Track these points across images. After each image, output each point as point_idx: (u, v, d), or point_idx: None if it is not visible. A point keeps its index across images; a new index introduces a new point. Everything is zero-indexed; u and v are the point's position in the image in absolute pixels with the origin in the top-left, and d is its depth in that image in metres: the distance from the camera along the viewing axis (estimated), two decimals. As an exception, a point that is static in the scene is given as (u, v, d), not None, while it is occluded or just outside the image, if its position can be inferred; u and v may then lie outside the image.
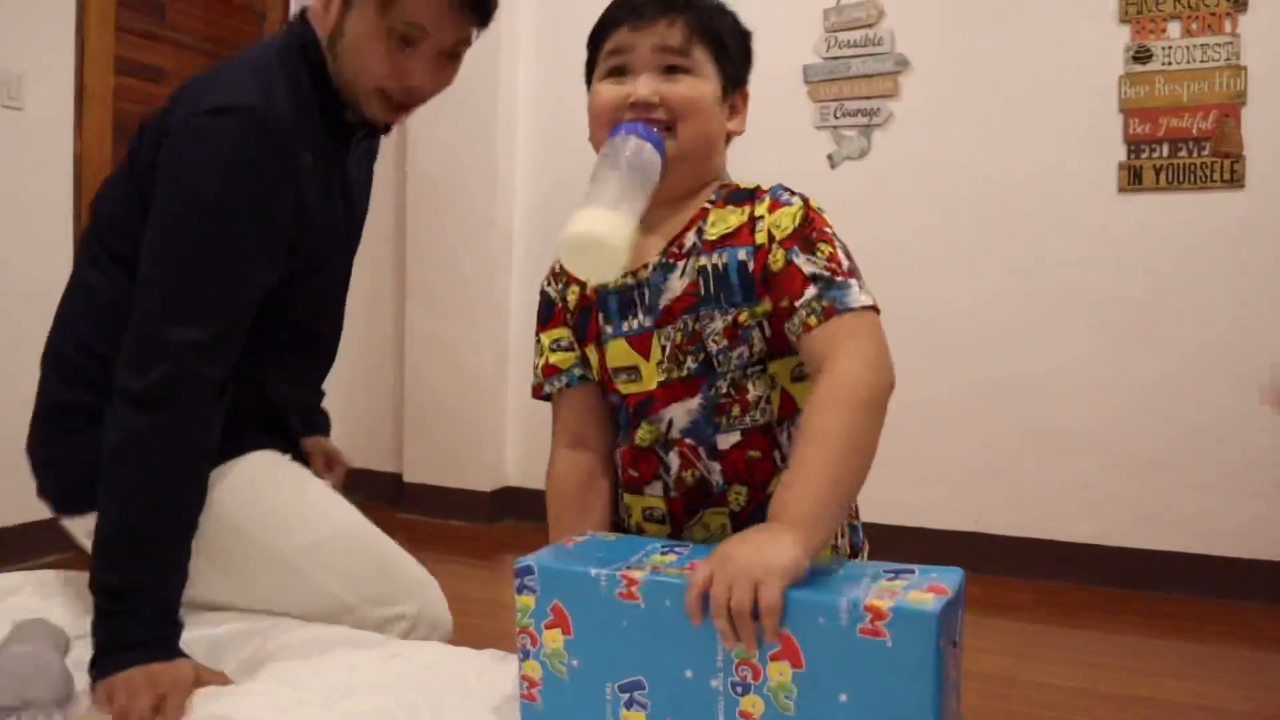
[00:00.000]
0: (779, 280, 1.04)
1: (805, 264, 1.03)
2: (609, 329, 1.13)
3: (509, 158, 3.99)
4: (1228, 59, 3.04)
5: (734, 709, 0.85)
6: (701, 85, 1.10)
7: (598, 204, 0.98)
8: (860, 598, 0.81)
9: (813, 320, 1.01)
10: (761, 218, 1.07)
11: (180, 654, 1.17)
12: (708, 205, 1.12)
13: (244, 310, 1.27)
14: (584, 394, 1.19)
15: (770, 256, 1.05)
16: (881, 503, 3.41)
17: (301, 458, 1.57)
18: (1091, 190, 3.19)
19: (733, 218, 1.10)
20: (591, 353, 1.17)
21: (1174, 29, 3.10)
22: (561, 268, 1.21)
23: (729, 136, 1.17)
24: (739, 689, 0.85)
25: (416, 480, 4.04)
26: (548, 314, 1.23)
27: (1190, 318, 3.08)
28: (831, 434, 0.93)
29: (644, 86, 1.08)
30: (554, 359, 1.20)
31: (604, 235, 0.95)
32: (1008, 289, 3.27)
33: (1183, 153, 3.09)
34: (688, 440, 1.08)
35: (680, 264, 1.09)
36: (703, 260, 1.08)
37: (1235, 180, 3.03)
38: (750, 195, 1.11)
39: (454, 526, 3.78)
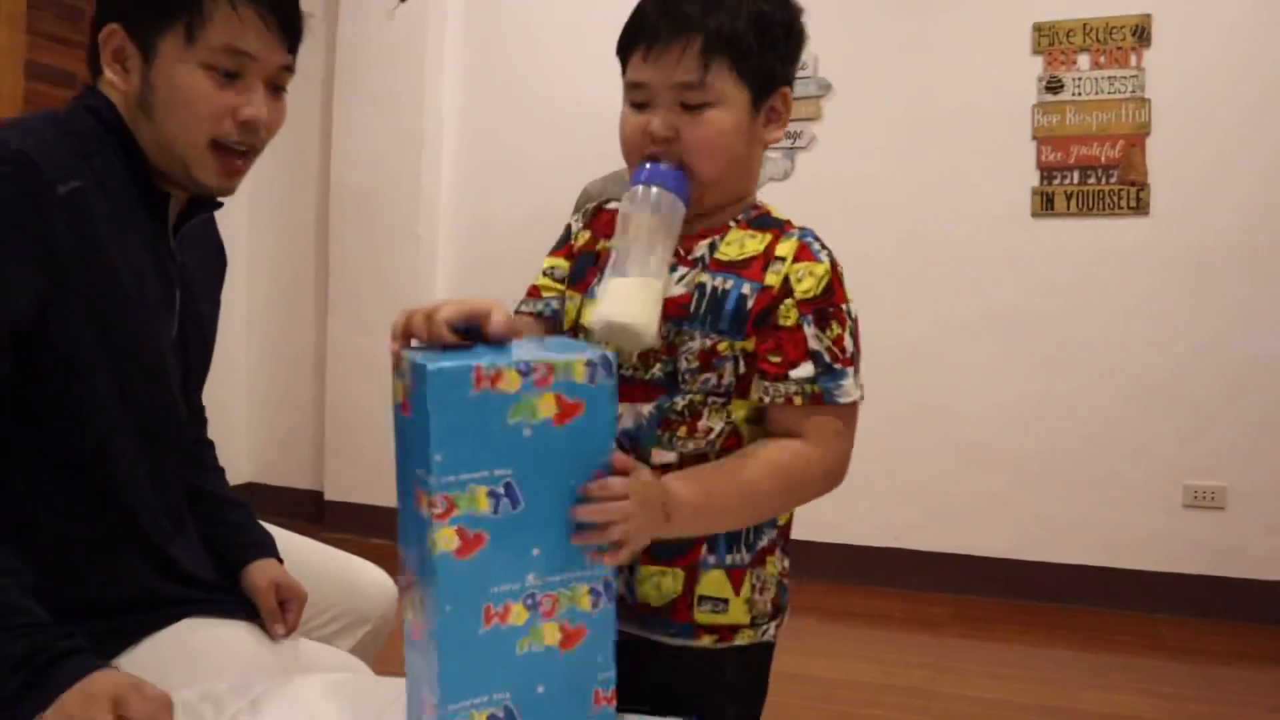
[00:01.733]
0: (780, 335, 1.03)
1: (812, 338, 1.02)
2: (597, 289, 1.09)
3: (434, 171, 3.96)
4: (1133, 91, 3.17)
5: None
6: (721, 118, 1.04)
7: (626, 274, 0.99)
8: None
9: (798, 400, 1.01)
10: (782, 259, 1.05)
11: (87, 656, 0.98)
12: (731, 223, 1.10)
13: None
14: (542, 328, 1.16)
15: (781, 308, 1.03)
16: (802, 520, 3.45)
17: (234, 600, 1.25)
18: (1006, 214, 3.29)
19: (750, 244, 1.08)
20: (572, 299, 1.14)
21: (1084, 61, 3.23)
22: (594, 206, 1.20)
23: (767, 145, 1.13)
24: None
25: (338, 498, 3.97)
26: (560, 243, 1.21)
27: (1099, 338, 3.19)
28: (760, 480, 1.01)
29: (660, 124, 1.04)
30: (541, 282, 1.19)
31: (631, 323, 0.97)
32: (924, 309, 3.35)
33: (1092, 180, 3.21)
34: (625, 442, 1.05)
35: (683, 270, 1.08)
36: (704, 277, 1.07)
37: (1140, 207, 3.16)
38: (778, 226, 1.09)
39: (376, 544, 3.72)
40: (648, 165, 1.04)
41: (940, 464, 3.34)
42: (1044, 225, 3.27)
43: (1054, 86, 3.25)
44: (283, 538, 1.44)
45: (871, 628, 2.99)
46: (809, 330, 1.02)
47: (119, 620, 1.12)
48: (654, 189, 1.02)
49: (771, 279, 1.04)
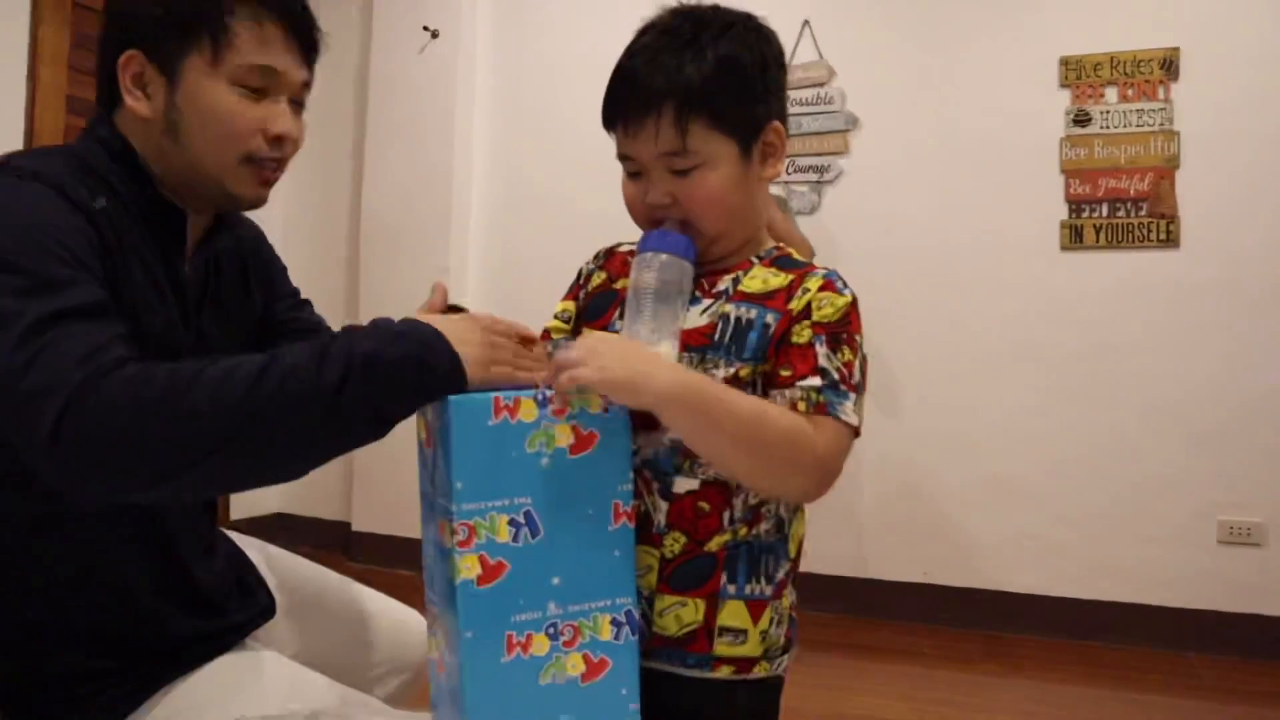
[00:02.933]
0: (792, 351, 1.03)
1: (822, 356, 1.02)
2: (619, 325, 1.10)
3: (464, 205, 4.00)
4: (1161, 124, 3.16)
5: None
6: (713, 177, 1.05)
7: (633, 339, 1.02)
8: None
9: (801, 406, 1.01)
10: (808, 290, 1.06)
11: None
12: (753, 259, 1.12)
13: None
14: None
15: (796, 327, 1.04)
16: (830, 555, 3.44)
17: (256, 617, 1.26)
18: (1035, 248, 3.28)
19: (774, 280, 1.08)
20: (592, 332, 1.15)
21: (1111, 94, 3.22)
22: (606, 249, 1.22)
23: (768, 181, 1.14)
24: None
25: (365, 529, 3.98)
26: (571, 288, 1.24)
27: (1130, 372, 3.16)
28: (762, 413, 0.97)
29: (655, 194, 1.07)
30: (552, 325, 1.21)
31: None
32: (953, 343, 3.34)
33: (1121, 212, 3.20)
34: (645, 472, 1.05)
35: (706, 302, 1.09)
36: (728, 308, 1.07)
37: (1170, 240, 3.14)
38: (802, 268, 1.10)
39: (404, 576, 3.73)
40: (654, 232, 1.06)
41: (970, 498, 3.31)
42: (1073, 258, 3.25)
43: (1081, 120, 3.24)
44: (326, 579, 1.45)
45: (902, 664, 2.95)
46: (820, 349, 1.03)
47: (152, 665, 1.12)
48: (662, 255, 1.04)
49: (795, 305, 1.05)
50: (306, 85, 1.21)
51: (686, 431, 0.97)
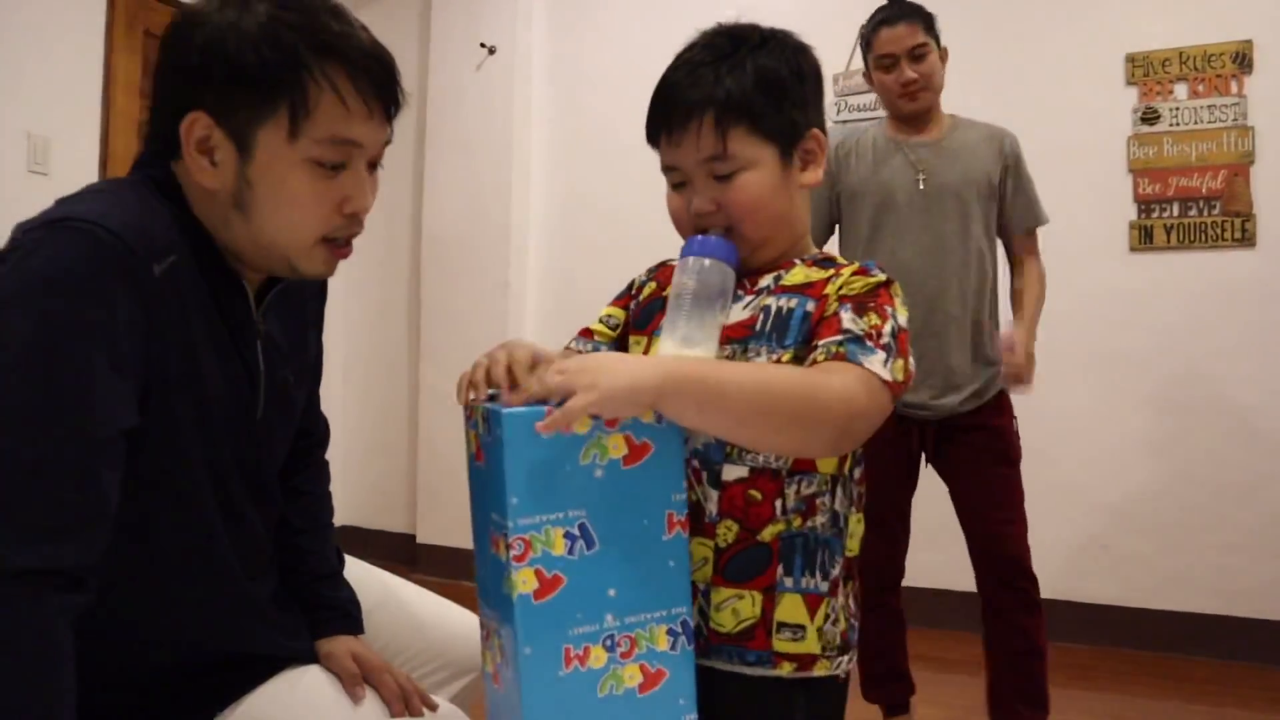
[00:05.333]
0: (822, 325, 1.04)
1: (848, 320, 1.02)
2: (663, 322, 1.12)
3: (523, 219, 4.04)
4: (1235, 119, 3.07)
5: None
6: (754, 180, 1.09)
7: (677, 341, 1.03)
8: None
9: (821, 357, 1.00)
10: (842, 274, 1.08)
11: None
12: (797, 261, 1.13)
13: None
14: None
15: (826, 306, 1.06)
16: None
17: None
18: (1103, 248, 3.20)
19: (815, 274, 1.10)
20: (639, 342, 1.17)
21: (1181, 90, 3.14)
22: (659, 263, 1.24)
23: (808, 187, 1.16)
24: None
25: (430, 541, 4.03)
26: (620, 294, 1.26)
27: (1202, 375, 3.06)
28: (773, 376, 0.97)
29: (700, 201, 1.10)
30: (595, 326, 1.23)
31: None
32: (1021, 347, 3.27)
33: (1193, 212, 3.11)
34: (694, 461, 1.05)
35: (747, 298, 1.10)
36: (769, 300, 1.09)
37: (1246, 239, 3.04)
38: (839, 264, 1.12)
39: (468, 588, 3.76)
40: (696, 238, 1.08)
41: (1039, 507, 3.21)
42: (1143, 259, 3.17)
43: (1150, 117, 3.16)
44: (387, 584, 1.46)
45: (973, 675, 2.89)
46: (845, 315, 1.03)
47: (218, 678, 1.13)
48: (705, 260, 1.06)
49: (829, 289, 1.07)
50: (388, 143, 1.13)
51: (696, 418, 0.95)
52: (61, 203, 1.00)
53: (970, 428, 2.25)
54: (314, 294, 1.32)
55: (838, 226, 2.38)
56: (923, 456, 2.33)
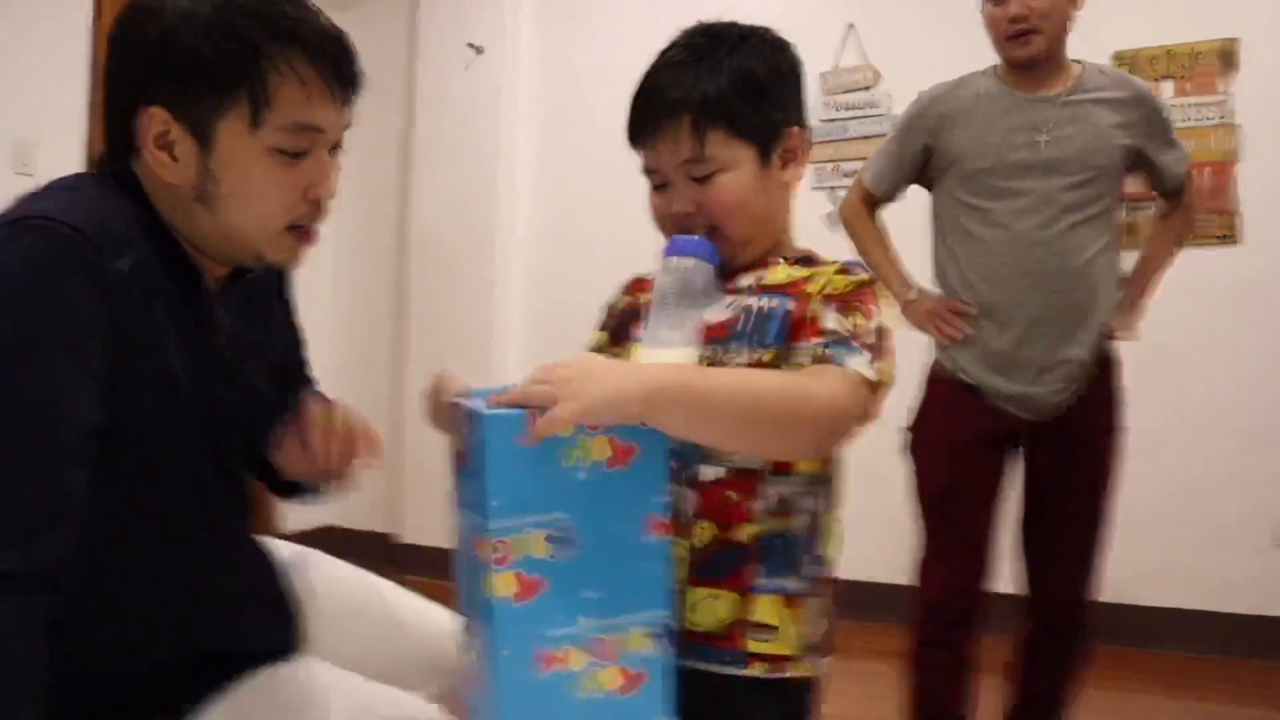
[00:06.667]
0: (805, 325, 1.04)
1: (830, 320, 1.02)
2: (641, 333, 1.13)
3: (510, 220, 4.03)
4: (1220, 118, 3.08)
5: None
6: (732, 182, 1.09)
7: (658, 343, 1.03)
8: None
9: (806, 361, 1.00)
10: (824, 273, 1.08)
11: None
12: (779, 260, 1.13)
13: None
14: None
15: (809, 306, 1.05)
16: (884, 563, 3.38)
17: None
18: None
19: (796, 273, 1.10)
20: (619, 354, 1.17)
21: (1167, 88, 3.15)
22: (630, 279, 1.25)
23: (789, 185, 1.16)
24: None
25: (418, 541, 4.02)
26: (601, 321, 1.26)
27: (1189, 372, 3.07)
28: (760, 380, 0.97)
29: (680, 203, 1.10)
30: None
31: None
32: (1008, 346, 3.27)
33: (1179, 210, 3.11)
34: (673, 461, 1.03)
35: (729, 299, 1.10)
36: (749, 301, 1.09)
37: (1231, 236, 3.05)
38: (821, 262, 1.12)
39: (450, 588, 3.74)
40: (676, 238, 1.08)
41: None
42: (1128, 257, 3.17)
43: (1135, 116, 3.17)
44: (369, 584, 1.45)
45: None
46: (828, 316, 1.03)
47: (197, 674, 1.12)
48: (687, 261, 1.06)
49: (811, 288, 1.06)
50: (348, 127, 1.12)
51: (682, 426, 0.93)
52: (21, 201, 0.99)
53: (1070, 440, 2.02)
54: (276, 284, 1.30)
55: (930, 195, 2.16)
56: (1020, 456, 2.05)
